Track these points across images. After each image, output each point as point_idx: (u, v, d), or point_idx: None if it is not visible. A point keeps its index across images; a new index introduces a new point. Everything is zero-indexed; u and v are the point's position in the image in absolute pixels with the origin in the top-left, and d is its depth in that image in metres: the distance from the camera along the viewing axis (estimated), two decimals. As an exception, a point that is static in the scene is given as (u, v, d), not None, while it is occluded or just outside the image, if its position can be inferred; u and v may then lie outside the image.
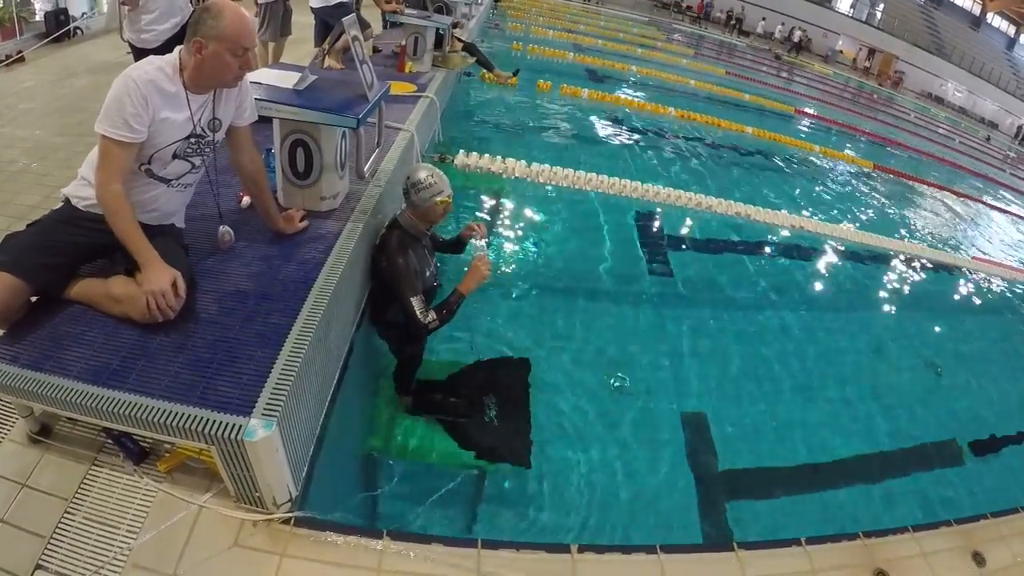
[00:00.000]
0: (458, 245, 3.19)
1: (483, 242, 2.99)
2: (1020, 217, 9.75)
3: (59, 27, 6.90)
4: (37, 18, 7.03)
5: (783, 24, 26.81)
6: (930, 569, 2.06)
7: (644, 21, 22.29)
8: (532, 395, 2.78)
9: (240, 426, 1.56)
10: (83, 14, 7.41)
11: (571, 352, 3.25)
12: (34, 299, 1.82)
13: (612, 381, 3.10)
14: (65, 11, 7.13)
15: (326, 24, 4.81)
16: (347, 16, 2.70)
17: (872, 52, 28.14)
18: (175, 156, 1.94)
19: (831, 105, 14.78)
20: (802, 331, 4.11)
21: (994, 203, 10.19)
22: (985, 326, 5.05)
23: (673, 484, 2.66)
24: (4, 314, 1.72)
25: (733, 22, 27.01)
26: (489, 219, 4.44)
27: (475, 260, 2.64)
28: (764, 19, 27.42)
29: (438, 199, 2.59)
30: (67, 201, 1.93)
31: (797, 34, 25.62)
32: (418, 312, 2.47)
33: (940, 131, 17.88)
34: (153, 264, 1.79)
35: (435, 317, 2.49)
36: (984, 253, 7.01)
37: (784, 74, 18.05)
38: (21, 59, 6.05)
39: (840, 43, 28.45)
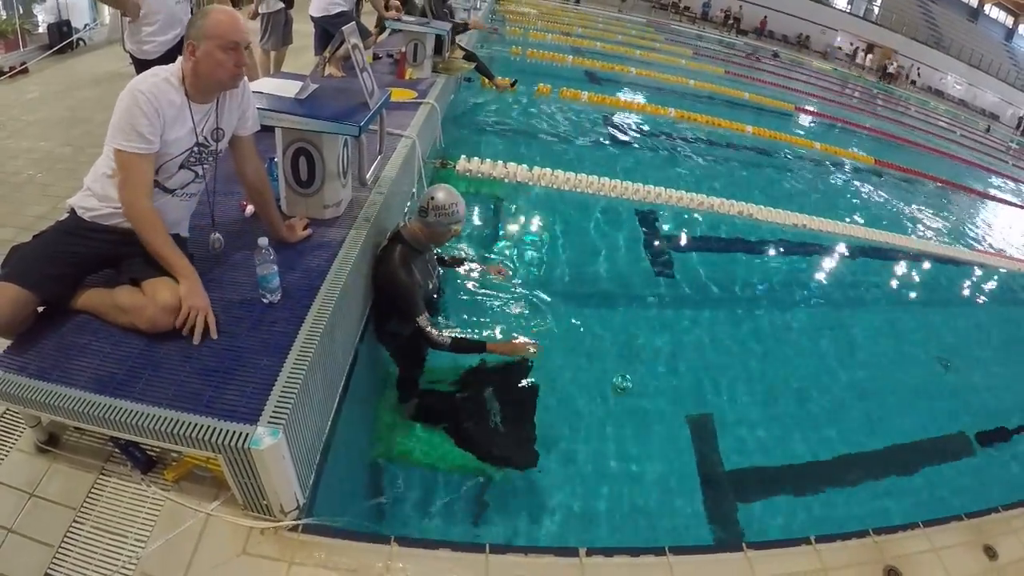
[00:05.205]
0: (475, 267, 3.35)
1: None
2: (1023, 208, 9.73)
3: (62, 38, 6.95)
4: (40, 30, 7.08)
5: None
6: (941, 564, 2.05)
7: (642, 22, 22.31)
8: (537, 399, 2.78)
9: (247, 434, 1.56)
10: (85, 25, 7.47)
11: (575, 355, 3.24)
12: (40, 309, 1.83)
13: (618, 383, 3.09)
14: (68, 22, 7.17)
15: (326, 32, 4.81)
16: (347, 24, 2.71)
17: (871, 47, 28.10)
18: (181, 166, 1.95)
19: (831, 102, 14.76)
20: (807, 328, 4.10)
21: (996, 195, 10.17)
22: (990, 318, 5.04)
23: (681, 485, 2.65)
24: (11, 325, 1.73)
25: (731, 21, 27.04)
26: (491, 225, 4.43)
27: (527, 343, 2.75)
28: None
29: (454, 227, 2.66)
30: (72, 212, 1.94)
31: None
32: (427, 330, 2.53)
33: (941, 124, 17.84)
34: (191, 279, 1.84)
35: (449, 341, 2.54)
36: (987, 245, 6.98)
37: (783, 72, 18.01)
38: (24, 71, 6.10)
39: (838, 39, 28.44)
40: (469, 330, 3.08)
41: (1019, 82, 26.84)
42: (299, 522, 1.71)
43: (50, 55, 6.65)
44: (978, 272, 5.87)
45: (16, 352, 1.73)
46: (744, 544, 1.98)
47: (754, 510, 2.62)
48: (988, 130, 21.12)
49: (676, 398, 3.14)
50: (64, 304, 1.87)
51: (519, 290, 3.52)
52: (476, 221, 4.37)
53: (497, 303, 3.37)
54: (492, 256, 3.90)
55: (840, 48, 28.32)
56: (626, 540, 2.31)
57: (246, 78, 2.05)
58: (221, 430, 1.57)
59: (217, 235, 2.23)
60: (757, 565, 1.90)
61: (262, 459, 1.55)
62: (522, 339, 2.77)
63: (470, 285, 3.43)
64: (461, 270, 3.46)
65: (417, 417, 2.62)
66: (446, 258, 3.37)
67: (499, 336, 3.11)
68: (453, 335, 2.59)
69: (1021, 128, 24.27)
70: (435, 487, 2.36)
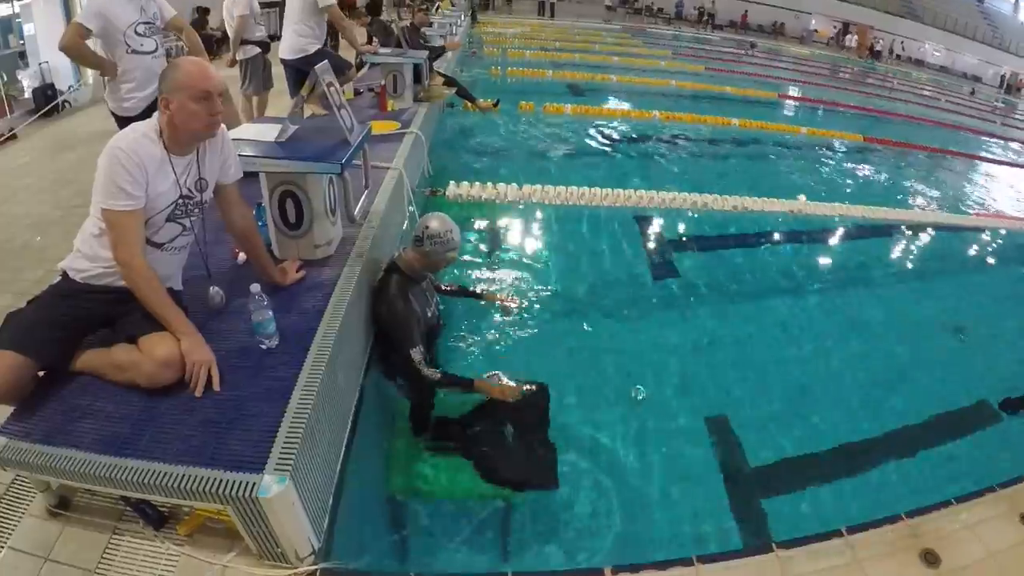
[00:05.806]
0: (476, 297, 3.35)
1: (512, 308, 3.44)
2: (1018, 166, 9.68)
3: (47, 102, 7.02)
4: (25, 95, 7.17)
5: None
6: (979, 540, 2.00)
7: (618, 29, 22.54)
8: (551, 417, 2.74)
9: (254, 483, 1.54)
10: (69, 87, 7.54)
11: (586, 369, 3.21)
12: (41, 373, 1.82)
13: (633, 394, 3.05)
14: (52, 86, 7.26)
15: (299, 72, 4.76)
16: (319, 64, 2.73)
17: (846, 26, 28.27)
18: (168, 220, 1.96)
19: (814, 85, 14.84)
20: (816, 315, 4.07)
21: (989, 156, 10.16)
22: (998, 281, 5.00)
23: (705, 491, 2.59)
24: (14, 391, 1.73)
25: (705, 18, 27.35)
26: (488, 248, 4.41)
27: (513, 387, 2.67)
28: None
29: (449, 254, 2.67)
30: (64, 275, 1.95)
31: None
32: (417, 363, 2.49)
33: (925, 93, 17.88)
34: (192, 336, 1.84)
35: (440, 377, 2.51)
36: (987, 208, 6.96)
37: (763, 62, 18.13)
38: (13, 137, 6.17)
39: (813, 23, 28.64)
40: (469, 358, 3.07)
41: (996, 41, 26.91)
42: (316, 567, 1.68)
43: (37, 119, 6.72)
44: (981, 236, 5.85)
45: (20, 419, 1.72)
46: (774, 544, 1.94)
47: (782, 506, 2.56)
48: (972, 93, 21.19)
49: (692, 401, 3.08)
50: (63, 367, 1.86)
51: (523, 311, 3.50)
52: (472, 246, 4.35)
53: (501, 327, 3.35)
54: (494, 283, 3.88)
55: (816, 31, 28.50)
56: (653, 554, 2.26)
57: (224, 126, 2.06)
58: (227, 481, 1.54)
59: (217, 289, 2.21)
60: (788, 565, 1.86)
61: (271, 507, 1.53)
62: (513, 387, 2.71)
63: (472, 312, 3.42)
64: (468, 299, 3.45)
65: (431, 447, 2.59)
66: (454, 288, 3.36)
67: (504, 354, 3.09)
68: (443, 370, 2.56)
69: (1004, 86, 24.37)
70: (455, 517, 2.32)
